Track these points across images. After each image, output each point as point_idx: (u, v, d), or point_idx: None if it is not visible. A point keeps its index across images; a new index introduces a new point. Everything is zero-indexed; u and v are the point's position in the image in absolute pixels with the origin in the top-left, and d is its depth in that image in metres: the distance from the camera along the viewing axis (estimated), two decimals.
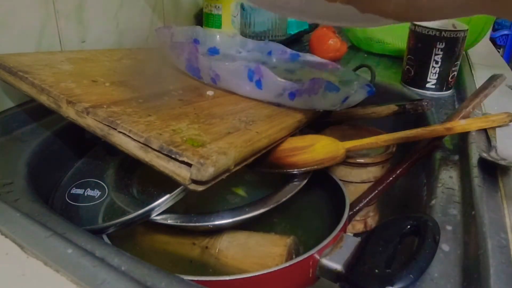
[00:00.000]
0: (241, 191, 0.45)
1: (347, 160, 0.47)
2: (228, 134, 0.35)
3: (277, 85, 0.43)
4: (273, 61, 0.65)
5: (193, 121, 0.37)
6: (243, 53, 0.66)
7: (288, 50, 0.66)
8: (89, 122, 0.35)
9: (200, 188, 0.30)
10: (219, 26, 0.78)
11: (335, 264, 0.34)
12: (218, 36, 0.65)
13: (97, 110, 0.35)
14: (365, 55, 0.89)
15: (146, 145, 0.31)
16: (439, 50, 0.64)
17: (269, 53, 0.66)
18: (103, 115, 0.34)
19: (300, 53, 0.66)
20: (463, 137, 0.48)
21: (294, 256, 0.36)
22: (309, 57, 0.65)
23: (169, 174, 0.30)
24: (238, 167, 0.34)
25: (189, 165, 0.29)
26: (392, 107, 0.58)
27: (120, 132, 0.33)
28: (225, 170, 0.32)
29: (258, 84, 0.44)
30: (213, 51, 0.63)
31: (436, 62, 0.65)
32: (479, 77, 0.73)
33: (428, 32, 0.64)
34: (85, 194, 0.43)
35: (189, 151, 0.30)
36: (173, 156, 0.30)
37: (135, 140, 0.32)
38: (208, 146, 0.32)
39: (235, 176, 0.34)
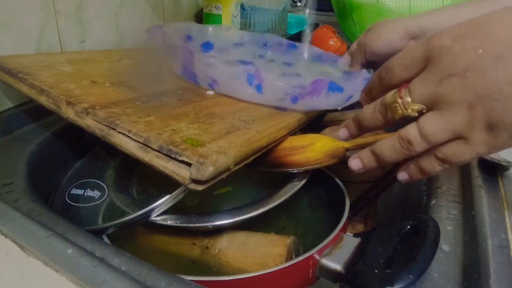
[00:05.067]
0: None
1: (347, 159, 0.47)
2: (228, 134, 0.35)
3: (278, 89, 0.42)
4: (269, 54, 0.64)
5: (192, 121, 0.37)
6: (238, 46, 0.64)
7: (285, 41, 0.64)
8: (88, 123, 0.35)
9: (200, 187, 0.30)
10: None
11: (335, 264, 0.34)
12: (210, 29, 0.63)
13: (96, 110, 0.35)
14: None
15: (145, 145, 0.31)
16: None
17: (265, 44, 0.65)
18: (102, 115, 0.34)
19: (297, 43, 0.64)
20: None
21: (294, 256, 0.36)
22: (307, 47, 0.63)
23: (168, 173, 0.30)
24: (238, 166, 0.34)
25: (189, 164, 0.29)
26: None
27: (120, 132, 0.33)
28: (225, 169, 0.32)
29: (259, 88, 0.43)
30: (207, 46, 0.62)
31: None
32: None
33: None
34: (85, 195, 0.43)
35: (189, 150, 0.30)
36: (172, 155, 0.30)
37: (134, 140, 0.32)
38: (208, 146, 0.32)
39: (235, 176, 0.34)
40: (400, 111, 0.29)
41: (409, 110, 0.29)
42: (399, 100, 0.29)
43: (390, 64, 0.30)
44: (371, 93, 0.33)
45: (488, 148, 0.27)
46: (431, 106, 0.28)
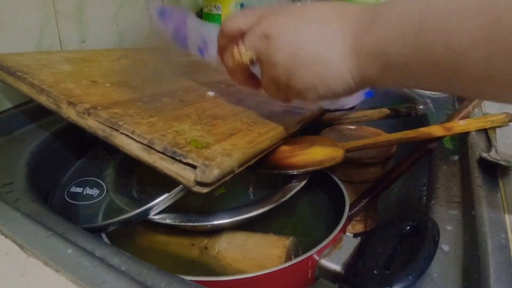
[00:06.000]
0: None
1: (347, 160, 0.47)
2: (231, 136, 0.35)
3: None
4: None
5: (195, 122, 0.37)
6: None
7: None
8: (90, 123, 0.35)
9: (205, 190, 0.30)
10: None
11: (334, 265, 0.33)
12: (209, 25, 0.64)
13: (98, 111, 0.35)
14: None
15: (149, 146, 0.31)
16: None
17: None
18: (105, 116, 0.34)
19: None
20: (463, 137, 0.48)
21: (293, 257, 0.36)
22: None
23: (173, 176, 0.30)
24: (241, 169, 0.33)
25: (194, 167, 0.29)
26: (384, 111, 0.57)
27: (123, 133, 0.33)
28: (229, 171, 0.31)
29: None
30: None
31: None
32: None
33: None
34: (84, 193, 0.43)
35: (194, 152, 0.30)
36: (177, 158, 0.30)
37: (138, 141, 0.32)
38: (212, 148, 0.32)
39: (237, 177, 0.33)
40: (236, 59, 0.34)
41: (243, 58, 0.33)
42: (236, 49, 0.34)
43: (235, 13, 0.36)
44: (222, 41, 0.38)
45: (284, 100, 0.35)
46: (258, 57, 0.33)
